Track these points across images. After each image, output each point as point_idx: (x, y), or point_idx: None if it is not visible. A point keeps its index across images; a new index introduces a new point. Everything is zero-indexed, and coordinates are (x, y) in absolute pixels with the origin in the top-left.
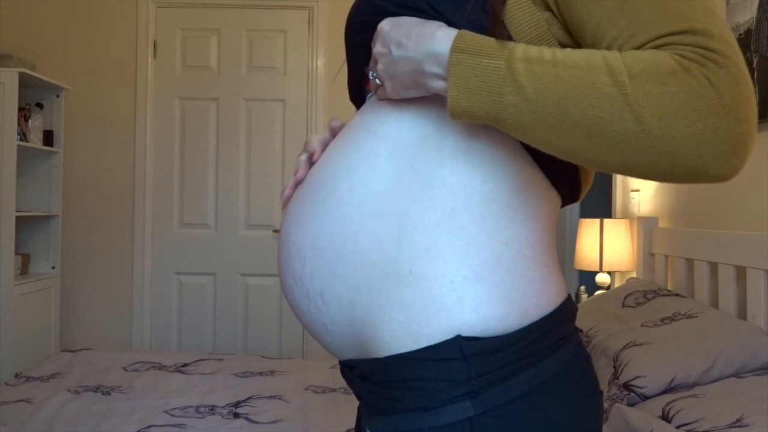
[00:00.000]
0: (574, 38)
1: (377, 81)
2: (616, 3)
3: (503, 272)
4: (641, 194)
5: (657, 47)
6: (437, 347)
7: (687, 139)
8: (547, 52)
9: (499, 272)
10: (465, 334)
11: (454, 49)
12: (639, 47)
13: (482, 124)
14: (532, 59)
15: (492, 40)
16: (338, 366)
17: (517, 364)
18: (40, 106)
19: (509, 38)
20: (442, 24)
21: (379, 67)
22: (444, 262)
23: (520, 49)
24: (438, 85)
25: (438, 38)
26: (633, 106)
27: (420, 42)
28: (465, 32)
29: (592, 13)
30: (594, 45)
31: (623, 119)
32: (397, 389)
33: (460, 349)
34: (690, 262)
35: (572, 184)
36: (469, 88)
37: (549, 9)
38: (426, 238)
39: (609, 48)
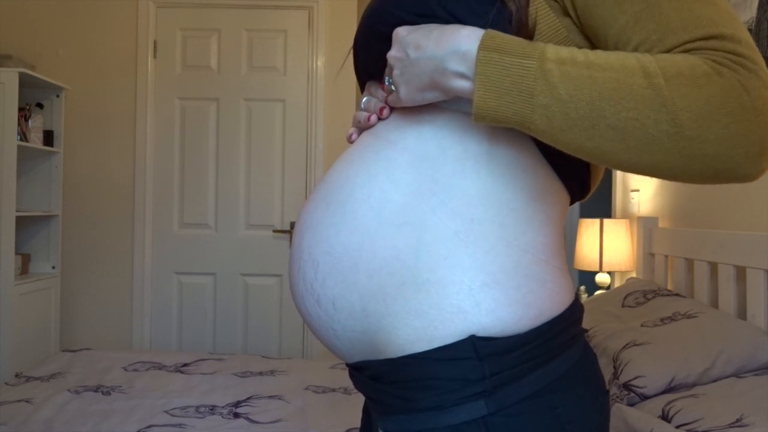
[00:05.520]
0: (593, 44)
1: (392, 88)
2: (643, 7)
3: (520, 277)
4: (641, 194)
5: (686, 51)
6: (452, 347)
7: (720, 141)
8: (580, 54)
9: (517, 277)
10: (480, 335)
11: (483, 47)
12: (667, 51)
13: (504, 133)
14: (564, 60)
15: (521, 39)
16: (339, 366)
17: (529, 363)
18: (40, 106)
19: None
20: (464, 25)
21: (395, 72)
22: (462, 269)
23: (551, 49)
24: (460, 84)
25: (463, 36)
26: (669, 108)
27: (442, 41)
28: (493, 31)
29: (617, 17)
30: (617, 49)
31: (659, 121)
32: (411, 389)
33: (474, 349)
34: (690, 262)
35: (582, 184)
36: (498, 88)
37: (568, 15)
38: (445, 247)
39: (635, 52)
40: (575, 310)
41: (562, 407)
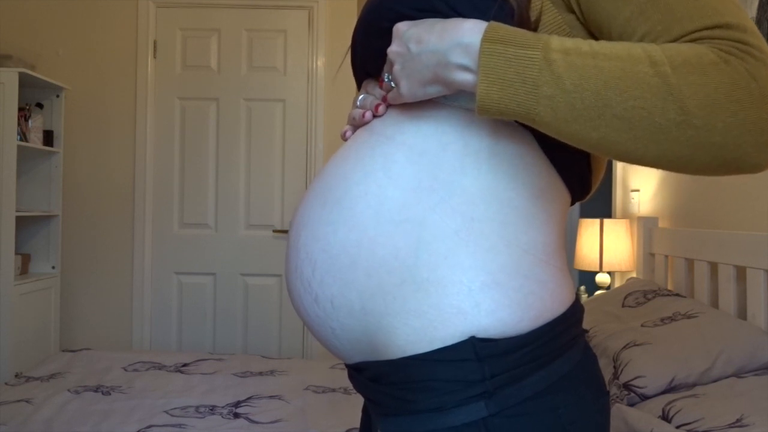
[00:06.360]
0: (597, 40)
1: (392, 84)
2: None
3: (521, 278)
4: (641, 194)
5: (692, 41)
6: (451, 348)
7: (728, 129)
8: (584, 44)
9: (517, 278)
10: (480, 336)
11: (486, 38)
12: (672, 42)
13: (505, 130)
14: (569, 50)
15: (525, 31)
16: (339, 366)
17: (529, 364)
18: (40, 106)
19: None
20: (466, 19)
21: (396, 67)
22: (462, 269)
23: (555, 40)
24: (463, 77)
25: (466, 29)
26: (676, 96)
27: (445, 34)
28: (496, 23)
29: (621, 9)
30: (622, 41)
31: (666, 110)
32: (411, 390)
33: (475, 350)
34: (690, 262)
35: (583, 184)
36: (502, 79)
37: (571, 11)
38: (445, 245)
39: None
40: (576, 310)
41: (563, 408)
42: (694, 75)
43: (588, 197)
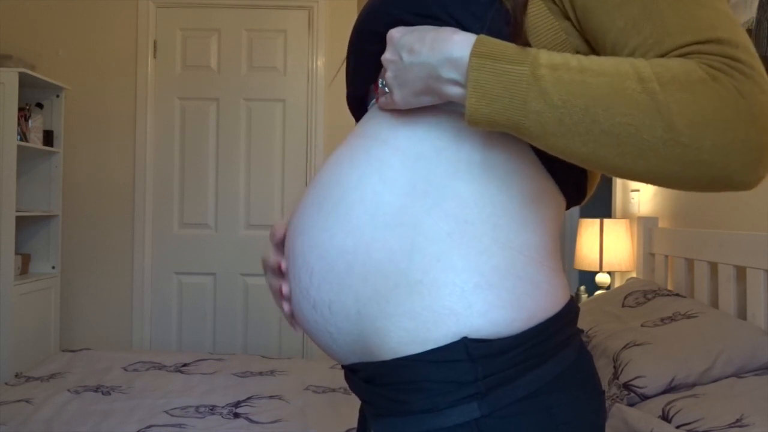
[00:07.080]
0: (592, 47)
1: (386, 89)
2: (641, 10)
3: (514, 278)
4: (641, 194)
5: (682, 55)
6: (444, 349)
7: (716, 147)
8: (573, 59)
9: (510, 278)
10: (472, 337)
11: (475, 53)
12: (663, 55)
13: (498, 135)
14: (557, 66)
15: (513, 45)
16: (338, 366)
17: (523, 365)
18: (40, 106)
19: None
20: (457, 29)
21: (388, 75)
22: (455, 270)
23: (544, 55)
24: (454, 91)
25: (456, 42)
26: (664, 113)
27: (435, 47)
28: (485, 37)
29: (615, 20)
30: (615, 52)
31: (653, 127)
32: (404, 391)
33: (467, 351)
34: (690, 262)
35: (579, 189)
36: (490, 95)
37: (567, 18)
38: (438, 248)
39: (632, 55)
40: (570, 310)
41: (556, 408)
42: (681, 92)
43: (584, 202)
